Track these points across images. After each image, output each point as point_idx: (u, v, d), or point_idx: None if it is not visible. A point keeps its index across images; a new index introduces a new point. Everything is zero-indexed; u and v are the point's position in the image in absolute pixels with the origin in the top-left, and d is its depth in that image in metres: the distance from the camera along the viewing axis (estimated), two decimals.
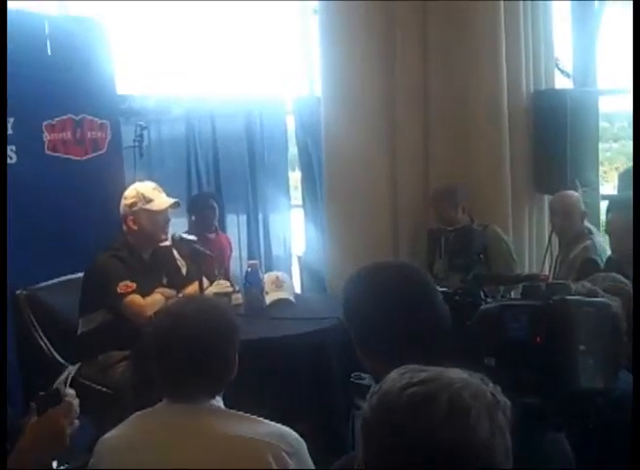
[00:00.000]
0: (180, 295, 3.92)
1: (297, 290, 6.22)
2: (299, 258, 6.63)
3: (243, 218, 6.48)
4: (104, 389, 3.80)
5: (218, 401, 2.22)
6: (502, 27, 5.09)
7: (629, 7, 6.00)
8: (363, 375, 2.38)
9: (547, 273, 4.84)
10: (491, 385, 1.33)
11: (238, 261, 6.25)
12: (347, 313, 1.97)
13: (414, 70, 5.31)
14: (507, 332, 1.97)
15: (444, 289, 2.17)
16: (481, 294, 2.21)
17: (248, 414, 2.19)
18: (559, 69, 5.75)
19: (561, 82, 5.88)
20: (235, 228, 6.43)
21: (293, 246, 6.90)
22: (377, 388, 1.34)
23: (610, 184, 9.21)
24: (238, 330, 2.29)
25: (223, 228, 6.28)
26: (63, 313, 4.04)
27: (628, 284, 2.76)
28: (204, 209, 5.43)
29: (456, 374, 1.31)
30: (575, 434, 1.96)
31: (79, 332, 3.89)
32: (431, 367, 1.34)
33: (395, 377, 1.32)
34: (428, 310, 1.89)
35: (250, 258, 6.41)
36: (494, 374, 1.97)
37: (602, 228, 5.94)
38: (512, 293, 2.58)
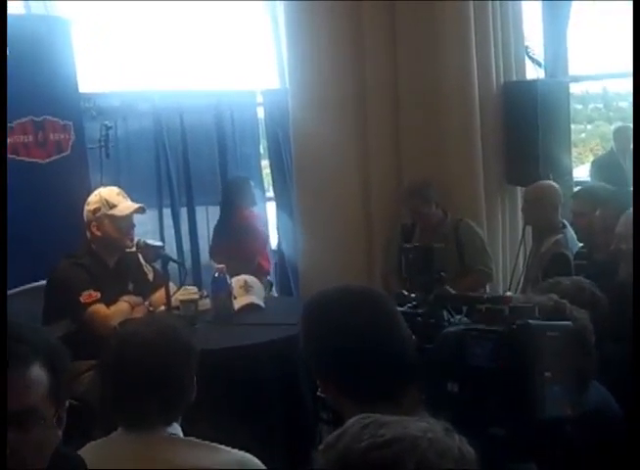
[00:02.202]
0: (147, 302, 3.83)
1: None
2: (273, 251, 6.53)
3: (214, 211, 6.35)
4: (70, 401, 3.66)
5: (175, 428, 2.14)
6: (471, 18, 4.98)
7: None
8: None
9: (520, 268, 4.76)
10: (457, 437, 1.23)
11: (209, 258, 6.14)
12: (307, 342, 1.85)
13: (383, 62, 5.19)
14: (469, 358, 1.88)
15: (406, 309, 2.08)
16: (445, 314, 2.12)
17: (205, 442, 2.10)
18: (530, 57, 5.65)
19: (532, 71, 5.80)
20: (205, 222, 6.31)
21: (269, 236, 6.78)
22: (334, 439, 1.23)
23: (585, 166, 9.20)
24: (195, 353, 2.20)
25: (194, 221, 6.19)
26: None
27: (594, 290, 2.67)
28: (245, 185, 5.86)
29: (420, 430, 1.20)
30: (545, 461, 1.88)
31: None
32: (392, 419, 1.24)
33: (355, 432, 1.21)
34: (392, 341, 1.80)
35: None
36: (458, 400, 1.89)
37: None
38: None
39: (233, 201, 5.77)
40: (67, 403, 1.51)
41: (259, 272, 5.55)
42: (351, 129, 5.30)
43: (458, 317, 2.38)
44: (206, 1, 6.49)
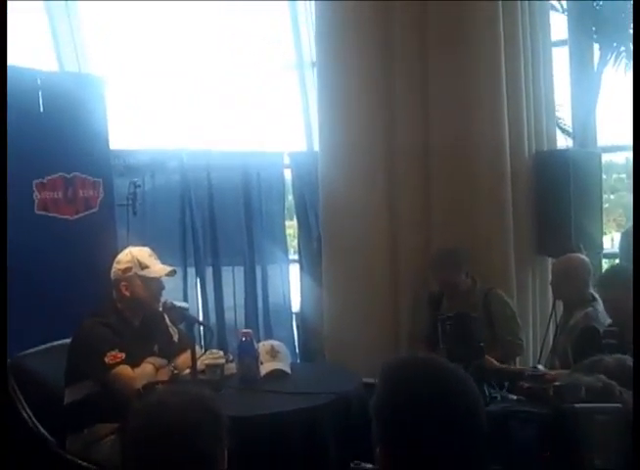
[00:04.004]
0: (171, 365, 3.77)
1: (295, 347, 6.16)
2: (296, 314, 6.50)
3: (240, 271, 6.35)
4: (89, 465, 3.60)
5: None
6: (504, 88, 5.00)
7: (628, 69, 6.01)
8: (364, 465, 2.20)
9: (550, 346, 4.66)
10: None
11: (233, 319, 6.12)
12: (379, 413, 1.70)
13: (415, 126, 5.20)
14: (514, 442, 1.82)
15: None
16: (485, 389, 2.06)
17: None
18: (560, 128, 5.67)
19: (561, 139, 5.82)
20: (231, 282, 6.29)
21: (292, 300, 6.74)
22: None
23: (607, 236, 9.12)
24: (225, 424, 2.13)
25: (219, 281, 6.16)
26: (48, 383, 3.84)
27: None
28: None
29: None
30: None
31: (65, 403, 3.70)
32: None
33: None
34: (472, 429, 1.65)
35: (247, 312, 6.28)
36: None
37: None
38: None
39: None
40: None
41: None
42: (381, 193, 5.30)
43: (498, 392, 2.31)
44: (236, 60, 6.60)
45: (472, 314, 2.76)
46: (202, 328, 4.86)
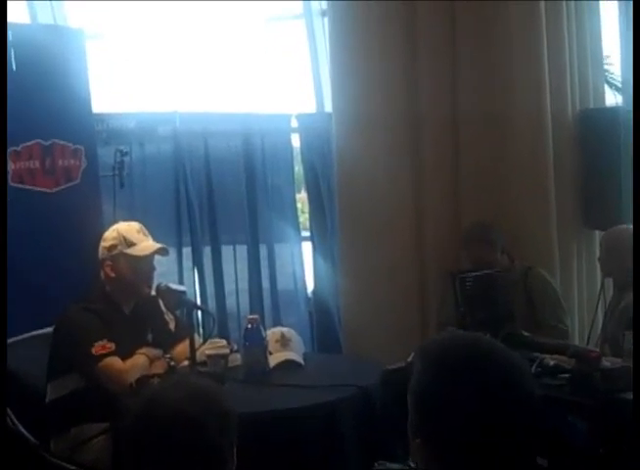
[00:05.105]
0: (167, 356, 3.81)
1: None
2: (309, 299, 6.50)
3: (242, 250, 6.34)
4: (77, 469, 3.65)
5: None
6: (544, 38, 4.99)
7: None
8: (389, 465, 2.22)
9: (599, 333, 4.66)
10: None
11: (235, 306, 6.13)
12: (421, 400, 1.68)
13: (442, 86, 5.20)
14: (561, 435, 1.82)
15: None
16: None
17: None
18: (608, 82, 5.64)
19: (610, 97, 5.79)
20: (231, 263, 6.28)
21: (305, 282, 6.71)
22: None
23: None
24: (233, 420, 2.17)
25: (219, 262, 6.16)
26: (28, 377, 3.90)
27: None
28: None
29: None
30: None
31: (47, 399, 3.76)
32: None
33: None
34: (526, 417, 1.62)
35: (251, 296, 6.28)
36: None
37: None
38: None
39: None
40: None
41: None
42: (404, 159, 5.31)
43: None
44: (235, 9, 6.57)
45: (497, 273, 2.68)
46: (201, 314, 4.89)
